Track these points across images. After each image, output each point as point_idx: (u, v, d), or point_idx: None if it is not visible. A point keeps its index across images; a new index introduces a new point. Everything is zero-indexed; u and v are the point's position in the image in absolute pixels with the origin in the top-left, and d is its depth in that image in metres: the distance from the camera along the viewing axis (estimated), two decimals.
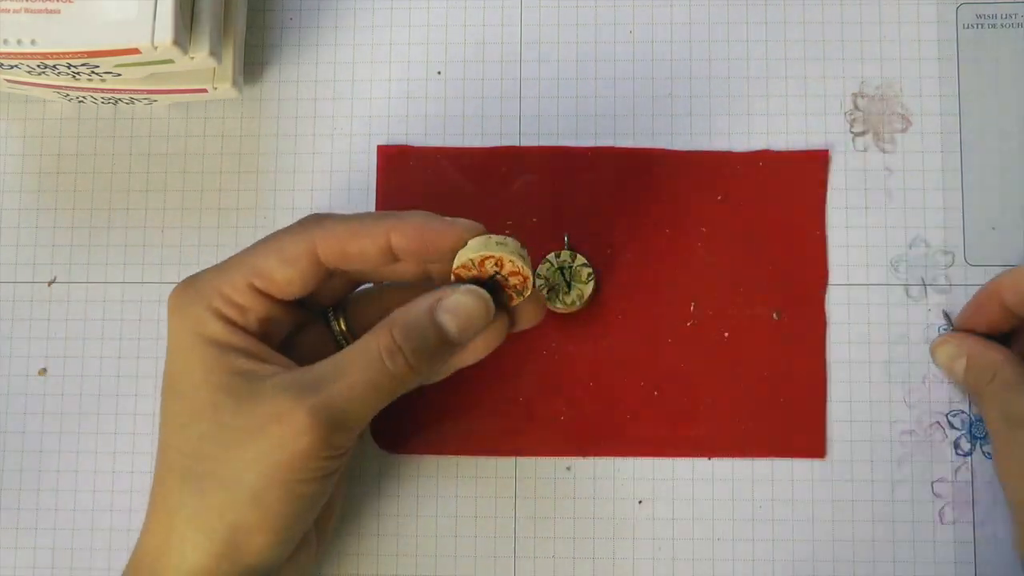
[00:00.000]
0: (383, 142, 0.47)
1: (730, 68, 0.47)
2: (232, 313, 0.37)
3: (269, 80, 0.47)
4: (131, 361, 0.46)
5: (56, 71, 0.42)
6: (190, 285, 0.38)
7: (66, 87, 0.44)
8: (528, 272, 0.37)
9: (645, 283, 0.45)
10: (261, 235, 0.46)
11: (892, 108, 0.46)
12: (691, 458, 0.44)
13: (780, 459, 0.44)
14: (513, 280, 0.37)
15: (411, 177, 0.46)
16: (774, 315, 0.45)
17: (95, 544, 0.45)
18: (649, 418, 0.44)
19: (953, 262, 0.45)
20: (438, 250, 0.37)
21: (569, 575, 0.44)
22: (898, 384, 0.44)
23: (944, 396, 0.44)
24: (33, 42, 0.40)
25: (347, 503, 0.44)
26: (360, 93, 0.47)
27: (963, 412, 0.44)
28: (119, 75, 0.43)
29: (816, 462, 0.44)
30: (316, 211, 0.46)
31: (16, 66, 0.42)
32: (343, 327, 0.40)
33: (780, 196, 0.45)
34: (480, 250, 0.36)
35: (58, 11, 0.40)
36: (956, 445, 0.44)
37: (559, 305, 0.44)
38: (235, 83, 0.45)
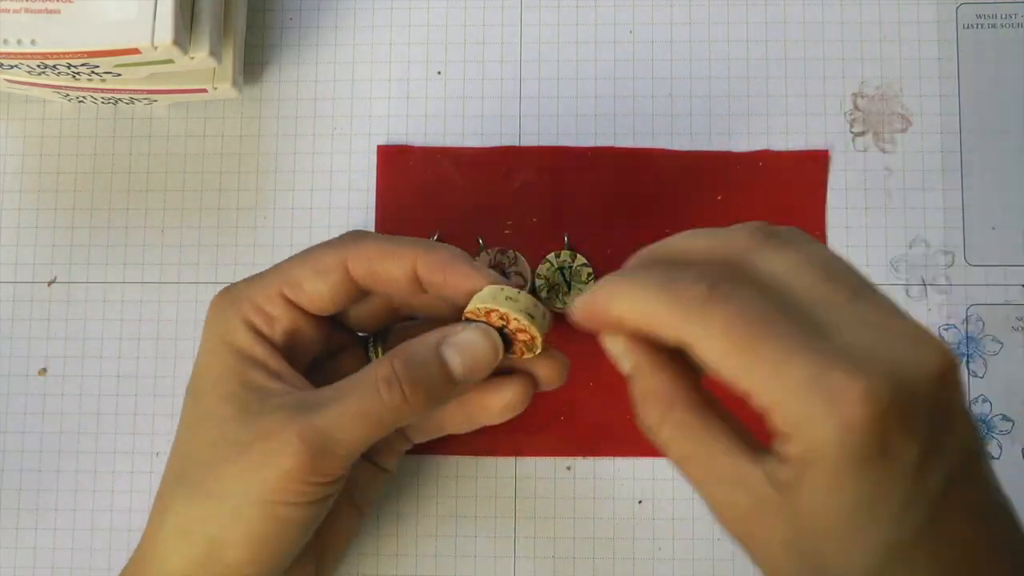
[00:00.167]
0: (383, 142, 0.47)
1: (730, 68, 0.47)
2: (260, 322, 0.37)
3: (269, 80, 0.47)
4: (131, 361, 0.46)
5: (56, 71, 0.42)
6: (229, 290, 0.38)
7: (66, 87, 0.44)
8: (535, 332, 0.36)
9: None
10: (261, 235, 0.46)
11: (892, 108, 0.46)
12: None
13: None
14: (521, 336, 0.36)
15: (411, 177, 0.46)
16: None
17: (95, 544, 0.45)
18: None
19: (953, 262, 0.45)
20: (455, 288, 0.36)
21: (569, 575, 0.44)
22: None
23: None
24: (33, 42, 0.40)
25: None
26: (360, 93, 0.47)
27: None
28: (119, 75, 0.43)
29: None
30: (316, 211, 0.46)
31: (16, 66, 0.42)
32: (379, 356, 0.40)
33: (780, 196, 0.45)
34: (487, 301, 0.35)
35: (58, 11, 0.40)
36: None
37: (559, 305, 0.44)
38: (235, 83, 0.45)
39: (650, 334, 0.31)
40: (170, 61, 0.42)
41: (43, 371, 0.46)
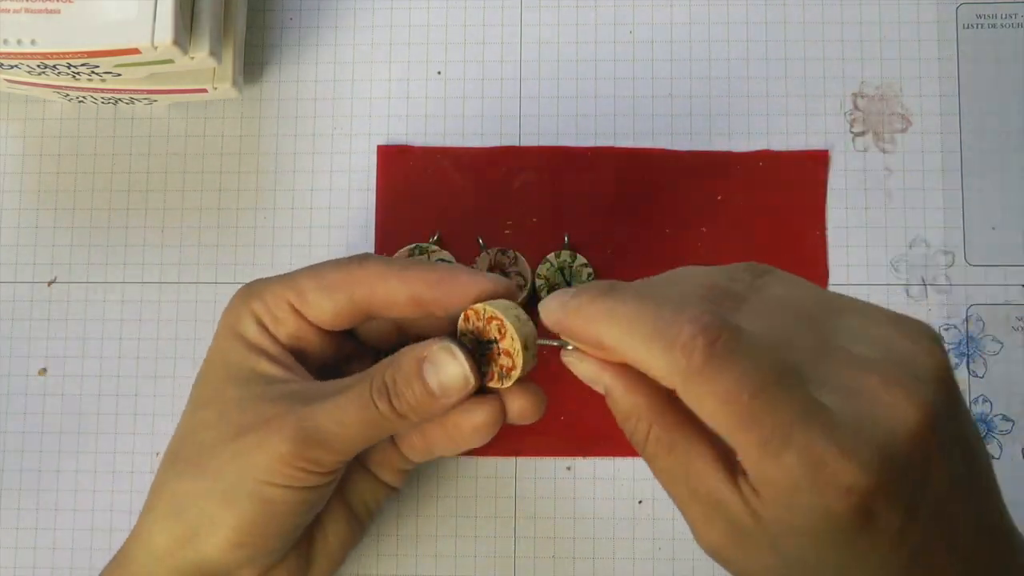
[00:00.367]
0: (383, 142, 0.47)
1: (730, 68, 0.47)
2: (268, 320, 0.38)
3: (269, 80, 0.47)
4: (131, 361, 0.46)
5: (56, 71, 0.42)
6: (251, 284, 0.38)
7: (66, 87, 0.44)
8: (519, 363, 0.35)
9: None
10: (261, 235, 0.46)
11: (892, 108, 0.46)
12: None
13: None
14: (503, 360, 0.35)
15: (411, 177, 0.46)
16: None
17: (95, 544, 0.45)
18: None
19: (953, 262, 0.45)
20: (459, 297, 0.36)
21: (569, 575, 0.44)
22: None
23: None
24: (33, 42, 0.40)
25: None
26: (360, 93, 0.47)
27: None
28: (119, 75, 0.43)
29: None
30: (316, 211, 0.46)
31: (16, 66, 0.42)
32: None
33: (780, 196, 0.45)
34: (496, 307, 0.35)
35: (58, 11, 0.40)
36: None
37: None
38: (235, 83, 0.45)
39: (633, 365, 0.30)
40: (170, 61, 0.42)
41: (43, 371, 0.46)
